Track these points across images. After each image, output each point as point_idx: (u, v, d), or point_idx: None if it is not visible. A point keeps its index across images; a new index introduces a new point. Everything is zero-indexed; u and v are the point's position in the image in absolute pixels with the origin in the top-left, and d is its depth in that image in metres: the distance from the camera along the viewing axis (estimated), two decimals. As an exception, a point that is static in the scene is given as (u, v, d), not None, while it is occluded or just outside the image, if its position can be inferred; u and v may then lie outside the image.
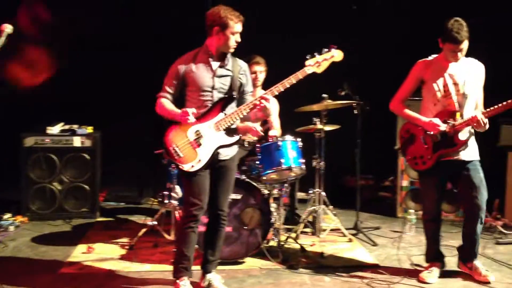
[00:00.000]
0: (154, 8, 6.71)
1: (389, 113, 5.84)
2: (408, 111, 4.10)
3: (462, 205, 4.12)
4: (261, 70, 4.99)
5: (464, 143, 3.89)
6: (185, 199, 3.73)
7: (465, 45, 3.79)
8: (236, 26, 3.56)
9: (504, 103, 3.76)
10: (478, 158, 3.98)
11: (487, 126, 3.83)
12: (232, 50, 3.66)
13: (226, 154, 3.72)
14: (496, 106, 3.79)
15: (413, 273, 4.18)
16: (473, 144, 3.97)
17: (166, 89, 3.69)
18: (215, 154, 3.64)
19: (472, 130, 3.94)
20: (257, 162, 4.57)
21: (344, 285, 3.99)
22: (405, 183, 5.82)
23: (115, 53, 6.46)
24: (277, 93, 3.59)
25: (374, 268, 4.33)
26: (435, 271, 4.10)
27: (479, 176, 3.94)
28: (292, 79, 3.55)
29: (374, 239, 5.02)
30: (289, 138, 4.67)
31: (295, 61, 3.70)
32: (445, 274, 4.14)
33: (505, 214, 5.49)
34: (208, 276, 3.85)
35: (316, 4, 6.64)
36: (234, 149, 3.80)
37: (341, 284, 4.02)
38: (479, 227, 4.01)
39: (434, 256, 4.19)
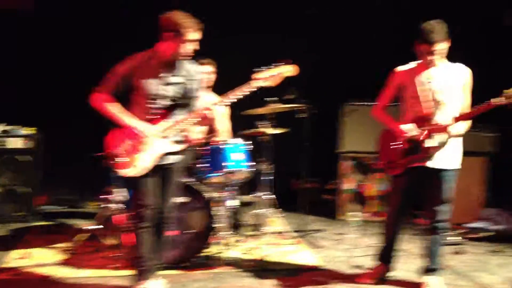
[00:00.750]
0: (101, 9, 6.57)
1: (333, 117, 6.00)
2: (385, 117, 4.05)
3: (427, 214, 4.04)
4: (212, 71, 4.95)
5: (431, 150, 3.79)
6: (134, 201, 3.70)
7: (440, 46, 3.67)
8: (192, 34, 3.41)
9: (474, 109, 3.68)
10: (452, 167, 3.86)
11: (456, 133, 3.75)
12: (187, 58, 3.54)
13: (174, 158, 3.66)
14: (466, 112, 3.73)
15: (353, 275, 4.23)
16: (447, 153, 3.83)
17: (108, 87, 3.52)
18: (159, 160, 3.57)
19: (451, 139, 3.82)
20: (203, 165, 4.53)
21: (288, 288, 4.00)
22: (348, 186, 5.91)
23: (61, 54, 6.30)
24: (223, 104, 3.57)
25: (317, 270, 4.37)
26: (380, 271, 4.14)
27: (445, 187, 3.86)
28: (237, 93, 3.49)
29: (318, 242, 5.06)
30: (236, 141, 4.66)
31: (248, 64, 3.65)
32: (400, 283, 4.14)
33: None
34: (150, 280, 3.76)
35: (269, 6, 6.67)
36: (183, 152, 3.74)
37: (285, 286, 4.02)
38: (435, 241, 3.95)
39: (380, 258, 4.18)
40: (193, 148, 4.88)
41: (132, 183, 3.68)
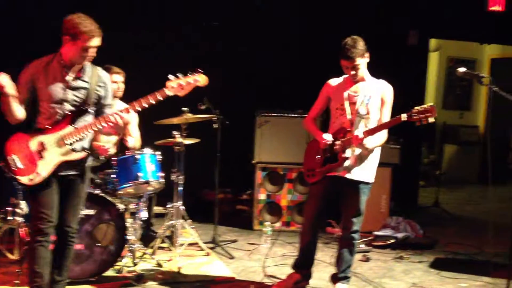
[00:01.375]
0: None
1: (248, 127, 6.05)
2: (312, 126, 4.16)
3: (342, 224, 4.14)
4: (122, 80, 4.84)
5: (344, 160, 3.89)
6: (32, 213, 3.48)
7: (358, 62, 3.83)
8: (90, 41, 3.28)
9: (382, 124, 3.84)
10: (368, 180, 3.98)
11: (368, 146, 3.85)
12: (86, 63, 3.41)
13: (76, 168, 3.48)
14: (374, 127, 3.84)
15: (267, 284, 4.26)
16: (364, 166, 3.95)
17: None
18: (58, 169, 3.39)
19: (370, 152, 3.94)
20: (113, 176, 4.40)
21: (201, 300, 3.97)
22: (261, 196, 5.97)
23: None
24: (132, 112, 3.43)
25: (230, 281, 4.36)
26: (293, 278, 4.17)
27: (358, 197, 3.96)
28: (150, 99, 3.37)
29: (231, 252, 5.06)
30: (147, 151, 4.57)
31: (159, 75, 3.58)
32: None
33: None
34: None
35: (180, 15, 6.64)
36: (85, 163, 3.55)
37: (197, 299, 3.99)
38: (348, 250, 4.05)
39: (294, 266, 4.23)
40: (102, 158, 4.75)
41: (30, 194, 3.49)
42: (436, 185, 7.88)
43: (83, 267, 4.08)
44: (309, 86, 4.47)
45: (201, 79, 3.45)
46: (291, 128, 5.88)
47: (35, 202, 3.42)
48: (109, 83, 3.60)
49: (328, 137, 3.95)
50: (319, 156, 4.06)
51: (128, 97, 4.11)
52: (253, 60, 6.75)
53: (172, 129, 4.96)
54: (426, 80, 7.96)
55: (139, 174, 4.38)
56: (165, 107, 4.98)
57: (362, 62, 3.89)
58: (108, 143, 4.86)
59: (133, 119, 5.09)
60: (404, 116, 3.68)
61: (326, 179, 4.01)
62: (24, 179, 3.37)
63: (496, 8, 7.69)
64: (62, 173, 3.43)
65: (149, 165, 4.49)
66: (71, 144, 3.39)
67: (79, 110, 3.43)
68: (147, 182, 4.42)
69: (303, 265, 4.21)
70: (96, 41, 3.32)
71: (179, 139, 4.91)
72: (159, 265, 4.58)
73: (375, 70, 4.23)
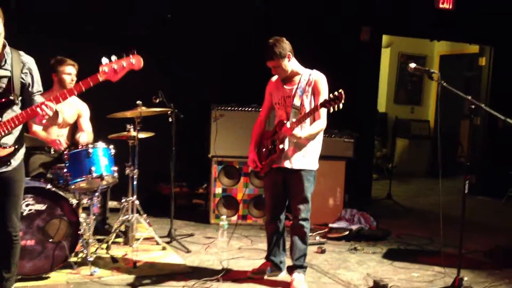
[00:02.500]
0: None
1: (204, 121, 6.03)
2: (254, 133, 4.36)
3: (292, 212, 4.24)
4: (75, 73, 4.74)
5: (282, 151, 4.05)
6: None
7: (277, 63, 4.00)
8: None
9: (304, 113, 3.97)
10: (309, 168, 4.09)
11: (300, 135, 3.95)
12: (6, 51, 3.15)
13: (5, 164, 3.24)
14: (300, 116, 3.97)
15: (224, 276, 4.26)
16: (303, 154, 4.07)
17: None
18: None
19: (307, 141, 4.07)
20: (65, 170, 4.30)
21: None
22: (218, 190, 5.96)
23: None
24: (62, 101, 3.20)
25: (187, 274, 4.34)
26: (265, 268, 4.32)
27: (301, 184, 4.07)
28: (82, 86, 3.18)
29: (187, 246, 5.03)
30: (101, 145, 4.48)
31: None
32: (270, 281, 4.25)
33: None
34: None
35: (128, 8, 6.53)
36: (17, 159, 3.30)
37: (153, 293, 3.95)
38: (299, 238, 4.14)
39: (266, 255, 4.38)
40: (55, 152, 4.65)
41: None
42: (388, 178, 8.06)
43: (35, 263, 3.98)
44: (263, 80, 4.49)
45: (135, 62, 3.25)
46: (246, 121, 5.88)
47: None
48: (35, 68, 3.34)
49: (250, 162, 4.28)
50: (264, 149, 4.24)
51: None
52: (207, 53, 6.71)
53: (126, 123, 4.89)
54: (379, 75, 8.11)
55: (92, 168, 4.30)
56: (118, 100, 4.95)
57: (282, 62, 4.01)
58: (61, 136, 4.76)
59: (85, 113, 5.00)
60: (319, 105, 3.86)
61: (272, 171, 4.17)
62: None
63: (445, 6, 7.93)
64: None
65: (102, 159, 4.41)
66: None
67: (4, 102, 3.18)
68: (100, 177, 4.34)
69: (271, 253, 4.35)
70: None
71: (133, 133, 4.85)
72: (114, 260, 4.51)
73: (329, 66, 4.30)
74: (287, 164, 4.09)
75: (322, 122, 4.03)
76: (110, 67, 3.19)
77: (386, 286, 4.14)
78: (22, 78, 3.26)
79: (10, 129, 3.18)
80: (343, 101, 3.72)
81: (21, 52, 3.29)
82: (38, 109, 3.14)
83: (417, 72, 4.04)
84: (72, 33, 6.05)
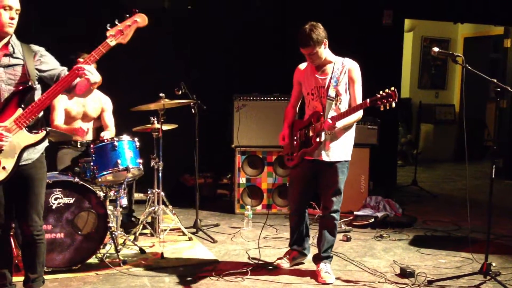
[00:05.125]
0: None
1: (226, 112, 6.04)
2: (286, 116, 4.27)
3: (322, 205, 4.20)
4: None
5: (319, 144, 3.96)
6: None
7: (314, 50, 3.86)
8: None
9: (349, 108, 3.88)
10: (344, 159, 4.03)
11: (343, 126, 3.89)
12: (9, 30, 3.13)
13: (27, 157, 3.21)
14: (342, 112, 3.88)
15: (252, 266, 4.28)
16: (339, 146, 4.00)
17: None
18: (21, 158, 3.14)
19: (342, 132, 3.99)
20: (92, 164, 4.37)
21: (185, 284, 3.97)
22: (242, 180, 5.98)
23: None
24: (91, 63, 3.15)
25: (214, 264, 4.38)
26: (290, 255, 4.33)
27: (336, 177, 4.01)
28: (94, 55, 3.13)
29: (213, 236, 5.08)
30: (126, 138, 4.53)
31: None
32: (297, 271, 4.25)
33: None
34: None
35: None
36: (37, 152, 3.28)
37: (182, 283, 3.99)
38: (328, 230, 4.11)
39: (290, 243, 4.40)
40: (82, 145, 4.72)
41: None
42: (413, 164, 7.98)
43: (65, 256, 4.06)
44: (284, 69, 4.47)
45: (140, 19, 3.20)
46: (268, 111, 5.89)
47: None
48: (47, 53, 3.31)
49: (284, 138, 4.17)
50: (296, 141, 4.16)
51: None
52: (227, 43, 6.71)
53: (149, 115, 4.93)
54: (402, 60, 8.01)
55: (118, 161, 4.36)
56: (141, 93, 4.99)
57: (319, 49, 3.89)
58: (87, 129, 4.83)
59: (108, 107, 5.05)
60: (368, 101, 3.75)
61: (304, 162, 4.09)
62: None
63: (469, -13, 7.78)
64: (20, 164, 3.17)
65: (127, 151, 4.46)
66: (26, 126, 3.13)
67: (23, 89, 3.14)
68: (126, 169, 4.39)
69: (296, 242, 4.35)
70: (14, 1, 3.11)
71: (156, 125, 4.89)
72: (142, 251, 4.57)
73: (351, 50, 4.23)
74: (323, 156, 3.99)
75: (360, 112, 3.95)
76: (116, 29, 3.16)
77: (413, 273, 4.12)
78: (38, 65, 3.24)
79: (36, 114, 3.13)
80: (396, 100, 3.63)
81: (31, 44, 3.30)
82: (76, 70, 3.09)
83: (441, 55, 3.97)
84: (91, 17, 6.04)
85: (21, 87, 3.14)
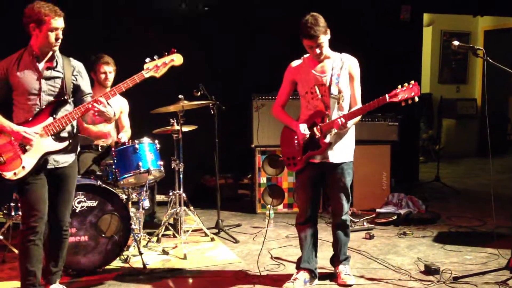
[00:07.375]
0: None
1: (245, 112, 6.05)
2: (284, 115, 4.00)
3: (332, 208, 4.05)
4: (110, 71, 4.82)
5: (328, 146, 3.75)
6: (22, 210, 3.46)
7: (322, 40, 3.65)
8: (53, 21, 3.28)
9: (366, 105, 3.67)
10: (349, 159, 3.87)
11: (349, 126, 3.73)
12: (55, 49, 3.39)
13: (64, 160, 3.48)
14: (354, 110, 3.74)
15: (274, 267, 4.28)
16: (344, 146, 3.84)
17: None
18: (43, 161, 3.38)
19: (347, 132, 3.81)
20: (113, 167, 4.40)
21: (208, 285, 3.98)
22: (262, 179, 5.98)
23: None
24: (111, 97, 3.40)
25: (237, 264, 4.38)
26: (300, 278, 3.90)
27: (344, 179, 3.85)
28: (128, 83, 3.38)
29: (235, 236, 5.08)
30: (146, 140, 4.57)
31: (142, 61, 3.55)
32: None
33: (353, 203, 5.85)
34: (52, 287, 3.62)
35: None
36: (73, 156, 3.56)
37: (205, 284, 4.00)
38: (342, 232, 3.97)
39: (300, 262, 3.99)
40: (103, 148, 4.76)
41: (18, 190, 3.45)
42: (436, 160, 7.90)
43: (89, 258, 4.10)
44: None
45: (176, 58, 3.49)
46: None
47: (25, 198, 3.40)
48: (84, 71, 3.60)
49: (306, 130, 3.78)
50: (299, 143, 3.88)
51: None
52: (244, 44, 6.71)
53: (169, 117, 4.96)
54: (421, 55, 7.93)
55: (139, 163, 4.39)
56: (161, 96, 5.01)
57: (325, 39, 3.70)
58: (108, 132, 4.89)
59: (125, 109, 5.10)
60: (387, 97, 3.57)
61: (309, 165, 3.86)
62: (8, 174, 3.33)
63: (488, -21, 7.67)
64: (50, 166, 3.44)
65: (148, 154, 4.49)
66: (53, 135, 3.37)
67: (58, 101, 3.41)
68: (147, 171, 4.42)
69: (307, 260, 3.98)
70: (60, 21, 3.33)
71: (176, 126, 4.91)
72: (165, 252, 4.60)
73: (369, 47, 4.19)
74: (330, 158, 3.79)
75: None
76: (153, 64, 3.43)
77: (438, 270, 4.07)
78: (74, 80, 3.51)
79: (64, 126, 3.39)
80: (419, 94, 3.47)
81: (71, 58, 3.53)
82: (89, 105, 3.37)
83: (461, 49, 3.90)
84: (115, 31, 6.13)
85: (57, 99, 3.41)
